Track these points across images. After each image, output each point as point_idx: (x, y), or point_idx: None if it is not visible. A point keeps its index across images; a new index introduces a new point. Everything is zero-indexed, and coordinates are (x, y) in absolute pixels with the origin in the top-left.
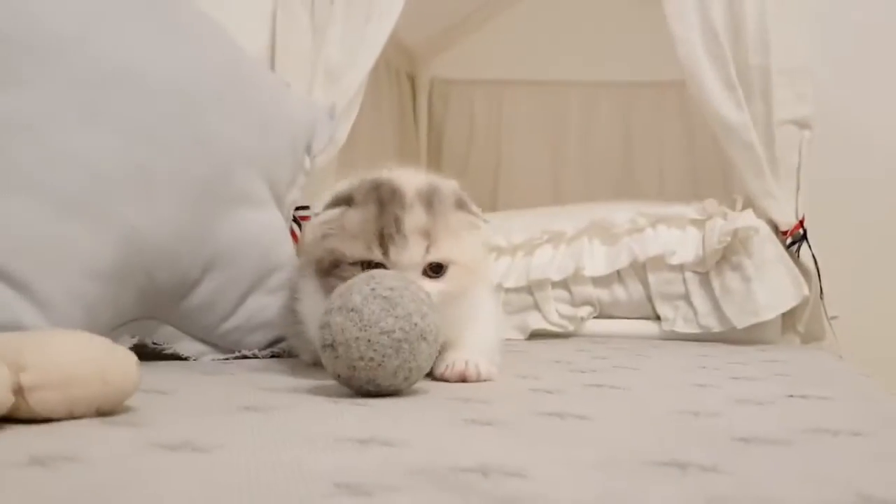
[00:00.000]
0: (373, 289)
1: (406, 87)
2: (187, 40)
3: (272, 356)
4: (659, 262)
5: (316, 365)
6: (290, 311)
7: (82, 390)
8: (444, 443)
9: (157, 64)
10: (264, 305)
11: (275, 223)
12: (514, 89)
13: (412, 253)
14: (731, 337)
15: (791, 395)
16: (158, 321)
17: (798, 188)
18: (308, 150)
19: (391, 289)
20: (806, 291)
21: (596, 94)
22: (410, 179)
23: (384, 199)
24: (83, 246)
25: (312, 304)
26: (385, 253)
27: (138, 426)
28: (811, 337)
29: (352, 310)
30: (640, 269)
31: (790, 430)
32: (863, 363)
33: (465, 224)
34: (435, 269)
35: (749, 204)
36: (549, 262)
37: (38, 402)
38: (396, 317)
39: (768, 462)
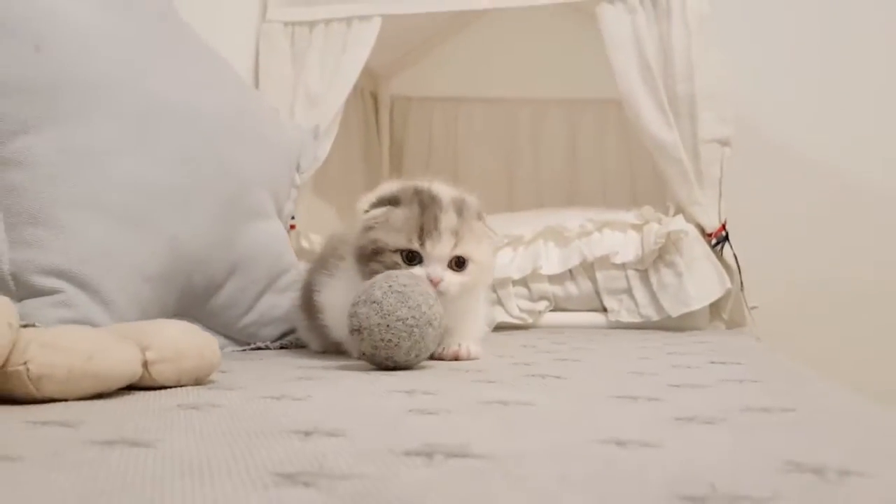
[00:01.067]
0: (390, 285)
1: (369, 104)
2: (206, 74)
3: (281, 347)
4: (605, 262)
5: (325, 352)
6: (300, 307)
7: (188, 364)
8: (467, 391)
9: (188, 96)
10: (275, 303)
11: (280, 233)
12: (470, 106)
13: (444, 246)
14: (667, 324)
15: (713, 362)
16: (189, 318)
17: (720, 196)
18: (298, 167)
19: (404, 285)
20: (729, 285)
21: (545, 110)
22: (444, 189)
23: (425, 202)
24: (138, 254)
25: (332, 296)
26: (422, 244)
27: (236, 389)
28: (734, 323)
29: (374, 302)
30: (588, 268)
31: (709, 381)
32: (777, 343)
33: (483, 232)
34: (458, 264)
35: (679, 210)
36: (510, 263)
37: (158, 373)
38: (409, 307)
39: (692, 397)
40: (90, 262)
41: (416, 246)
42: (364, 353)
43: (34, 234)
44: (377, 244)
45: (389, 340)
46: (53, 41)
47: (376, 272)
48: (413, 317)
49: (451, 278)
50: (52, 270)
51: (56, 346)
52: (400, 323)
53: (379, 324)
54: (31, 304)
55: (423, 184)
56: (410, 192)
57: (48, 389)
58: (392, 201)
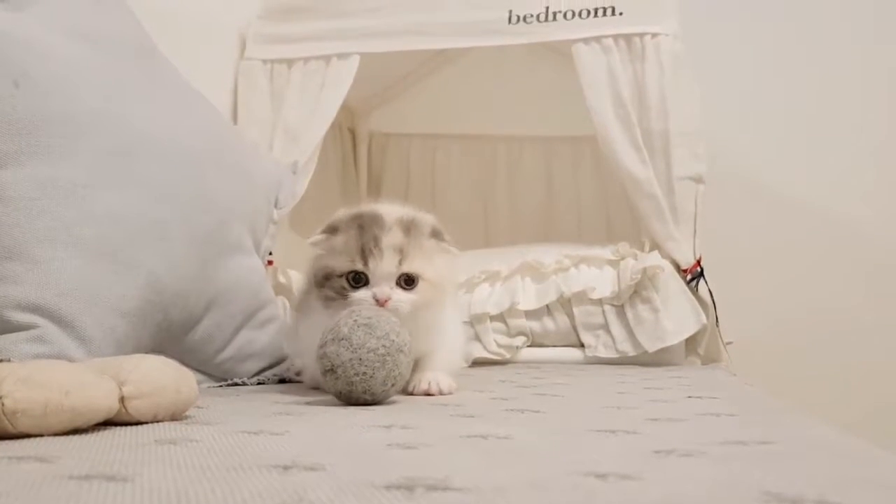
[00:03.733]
0: (355, 320)
1: (347, 139)
2: (184, 108)
3: (259, 383)
4: (582, 297)
5: (315, 389)
6: (297, 307)
7: (165, 399)
8: (446, 426)
9: (167, 131)
10: (253, 339)
11: (258, 268)
12: (447, 142)
13: (387, 264)
14: (644, 360)
15: (690, 396)
16: (166, 353)
17: (695, 233)
18: (276, 203)
19: (369, 317)
20: (704, 320)
21: (520, 147)
22: (393, 210)
23: (365, 224)
24: (114, 289)
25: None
26: (365, 264)
27: (213, 424)
28: (710, 359)
29: (342, 339)
30: (566, 303)
31: (686, 414)
32: (752, 378)
33: (437, 249)
34: (407, 282)
35: (655, 246)
36: (488, 298)
37: (134, 408)
38: (378, 337)
39: (670, 430)
40: (66, 297)
41: (359, 266)
42: (341, 393)
43: (10, 269)
44: (326, 270)
45: (364, 373)
46: (33, 77)
47: (329, 297)
48: (384, 346)
49: (401, 296)
50: (27, 305)
51: (32, 381)
52: (371, 354)
53: (351, 358)
54: (6, 339)
55: (368, 207)
56: (349, 217)
57: (24, 424)
58: (332, 229)
